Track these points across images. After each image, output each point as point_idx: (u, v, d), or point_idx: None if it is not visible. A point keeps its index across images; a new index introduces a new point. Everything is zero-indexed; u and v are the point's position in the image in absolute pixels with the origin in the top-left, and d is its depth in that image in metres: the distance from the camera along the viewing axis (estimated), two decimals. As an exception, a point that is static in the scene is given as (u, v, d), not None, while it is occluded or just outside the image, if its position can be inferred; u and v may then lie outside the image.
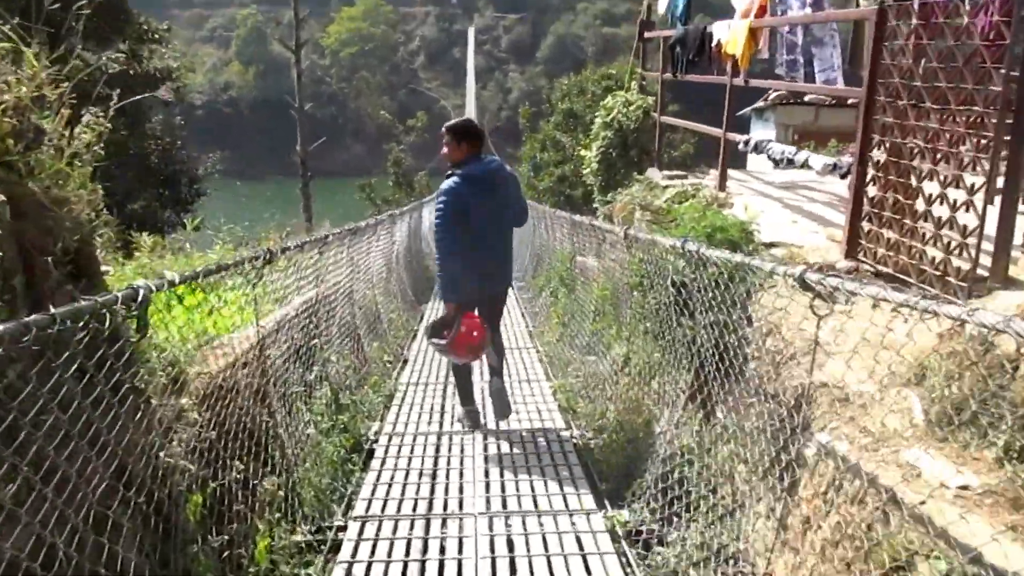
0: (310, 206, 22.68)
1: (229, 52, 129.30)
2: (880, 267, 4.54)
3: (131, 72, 16.02)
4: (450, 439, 5.91)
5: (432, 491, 4.95)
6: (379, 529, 4.43)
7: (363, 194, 25.97)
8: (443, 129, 5.52)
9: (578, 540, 4.31)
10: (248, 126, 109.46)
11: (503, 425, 6.05)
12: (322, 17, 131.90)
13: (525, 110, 32.03)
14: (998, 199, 3.93)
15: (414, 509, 4.71)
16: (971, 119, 3.81)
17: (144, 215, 15.77)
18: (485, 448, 5.69)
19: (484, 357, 5.77)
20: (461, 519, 4.57)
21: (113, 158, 15.62)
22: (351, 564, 4.07)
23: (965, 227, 3.79)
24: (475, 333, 5.40)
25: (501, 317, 6.15)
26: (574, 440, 5.87)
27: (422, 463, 5.44)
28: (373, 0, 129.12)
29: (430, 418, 6.44)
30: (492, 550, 4.23)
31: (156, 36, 16.48)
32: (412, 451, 5.68)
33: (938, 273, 4.05)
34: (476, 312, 5.60)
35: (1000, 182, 4.11)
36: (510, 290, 6.63)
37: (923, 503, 2.60)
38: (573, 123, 22.40)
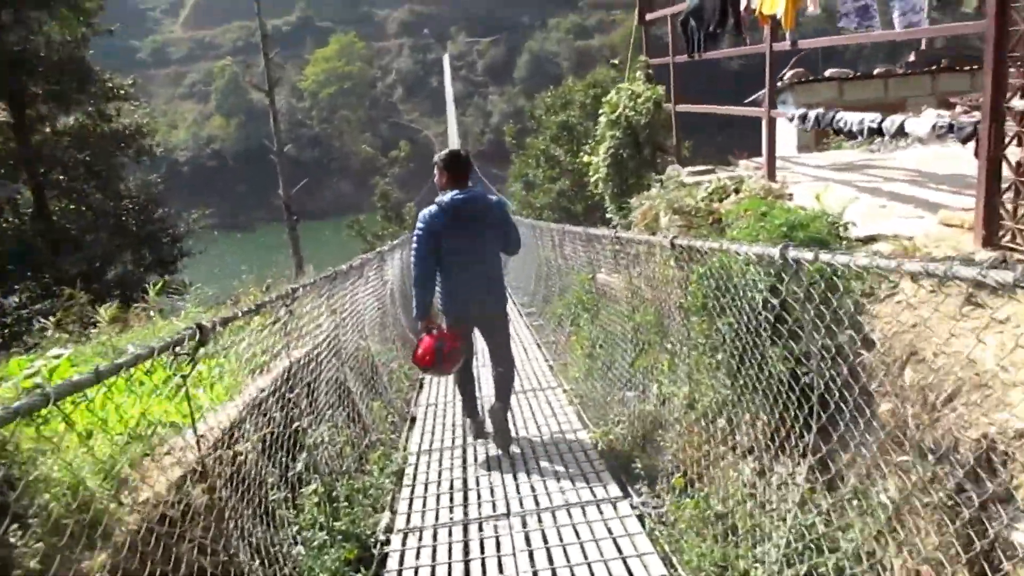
0: (299, 250, 21.48)
1: (209, 105, 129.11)
2: (1038, 253, 3.34)
3: (98, 131, 15.00)
4: (480, 528, 4.70)
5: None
6: None
7: (352, 232, 24.90)
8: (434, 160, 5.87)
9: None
10: (234, 177, 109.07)
11: (541, 487, 5.20)
12: (297, 60, 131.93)
13: (510, 128, 31.01)
14: None
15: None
16: None
17: (125, 280, 14.64)
18: (527, 540, 4.48)
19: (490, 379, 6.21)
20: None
21: (86, 222, 14.57)
22: None
23: None
24: (429, 353, 5.61)
25: (506, 345, 6.12)
26: (642, 510, 4.67)
27: (449, 570, 4.21)
28: (346, 38, 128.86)
29: (451, 500, 5.23)
30: None
31: (122, 92, 15.44)
32: (435, 553, 4.43)
33: None
34: (473, 338, 6.10)
35: None
36: (515, 316, 7.87)
37: None
38: (567, 136, 21.32)
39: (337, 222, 25.92)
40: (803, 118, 5.51)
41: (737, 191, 5.78)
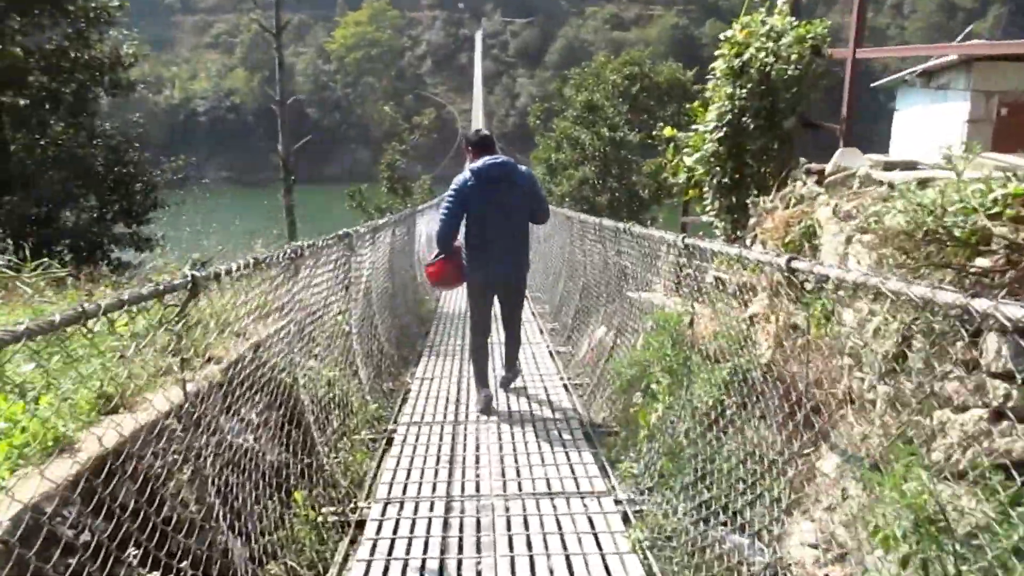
0: (293, 215, 19.81)
1: (234, 58, 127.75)
2: None
3: (73, 57, 13.32)
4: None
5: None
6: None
7: (353, 202, 22.67)
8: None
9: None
10: (251, 133, 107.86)
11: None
12: (327, 22, 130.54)
13: (536, 106, 29.03)
14: None
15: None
16: None
17: (79, 228, 13.02)
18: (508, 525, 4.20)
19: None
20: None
21: (45, 158, 12.94)
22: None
23: None
24: (438, 272, 6.05)
25: (520, 310, 6.33)
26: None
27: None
28: (379, 4, 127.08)
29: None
30: None
31: (105, 15, 13.57)
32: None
33: None
34: (493, 303, 6.16)
35: None
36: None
37: None
38: (592, 117, 19.60)
39: (349, 190, 23.77)
40: None
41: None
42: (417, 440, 5.41)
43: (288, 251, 3.80)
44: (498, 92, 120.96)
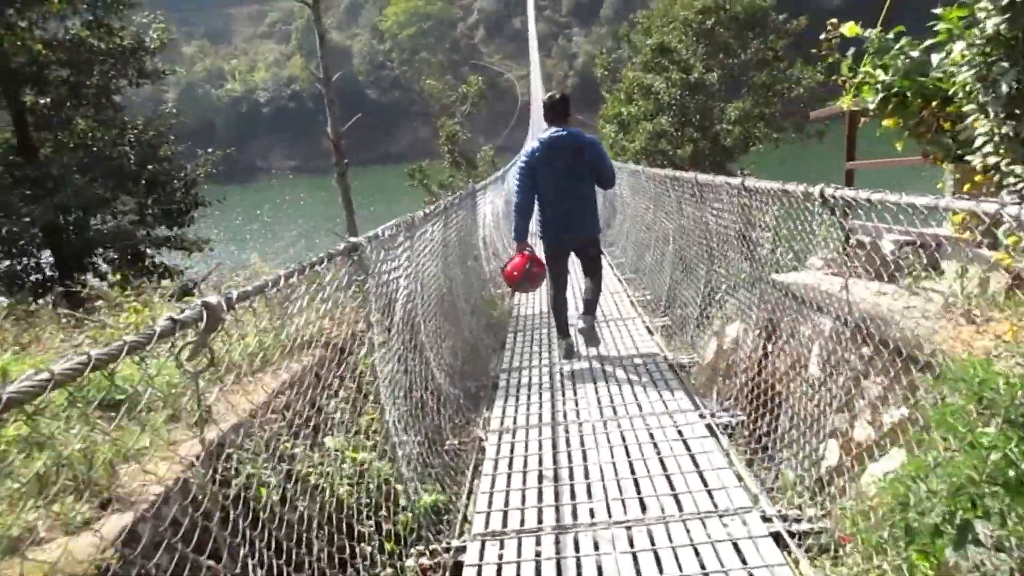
0: (350, 199, 18.43)
1: (290, 46, 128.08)
2: None
3: (93, 46, 12.11)
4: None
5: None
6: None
7: (414, 181, 21.08)
8: None
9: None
10: (312, 119, 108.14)
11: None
12: (379, 1, 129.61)
13: (603, 57, 26.75)
14: None
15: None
16: None
17: (119, 233, 11.85)
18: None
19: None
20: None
21: (67, 158, 11.80)
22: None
23: None
24: (518, 269, 6.13)
25: (596, 264, 6.39)
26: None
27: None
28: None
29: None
30: None
31: (122, 0, 12.27)
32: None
33: None
34: (568, 263, 6.44)
35: None
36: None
37: None
38: (665, 61, 17.45)
39: (412, 166, 22.32)
40: None
41: None
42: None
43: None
44: (555, 54, 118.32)
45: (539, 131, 6.28)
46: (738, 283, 5.02)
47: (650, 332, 7.01)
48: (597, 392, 5.21)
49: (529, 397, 5.31)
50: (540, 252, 6.38)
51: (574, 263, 6.48)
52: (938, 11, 3.28)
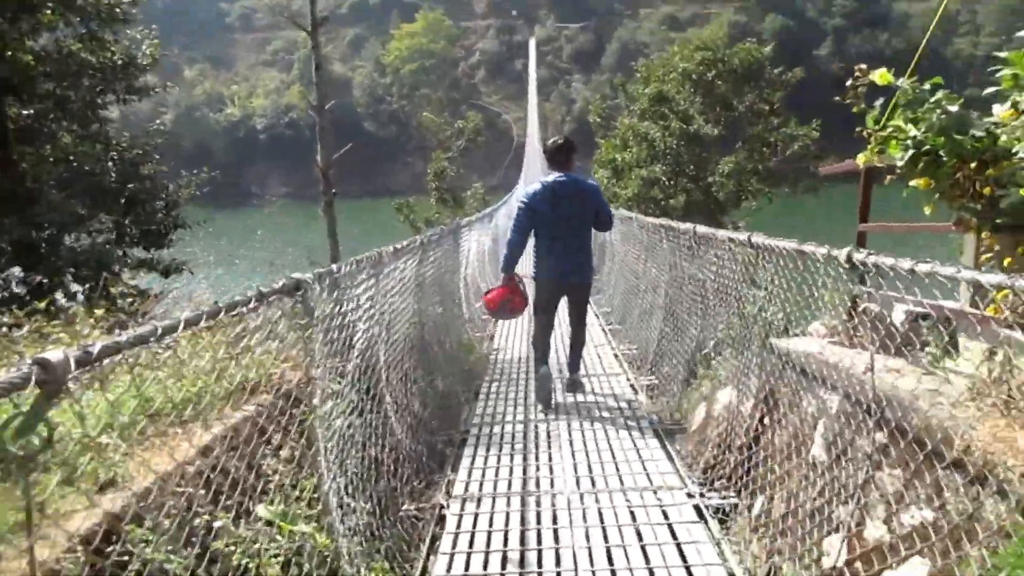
0: (335, 231, 18.05)
1: (292, 75, 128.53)
2: None
3: (82, 59, 11.83)
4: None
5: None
6: None
7: (401, 216, 20.70)
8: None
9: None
10: (308, 148, 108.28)
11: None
12: (382, 35, 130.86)
13: (596, 104, 26.66)
14: None
15: None
16: None
17: (93, 252, 11.41)
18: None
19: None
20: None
21: (47, 172, 11.43)
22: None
23: None
24: (499, 298, 6.44)
25: (583, 313, 6.57)
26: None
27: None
28: (433, 15, 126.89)
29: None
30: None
31: (118, 12, 11.98)
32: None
33: None
34: (557, 307, 6.53)
35: None
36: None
37: None
38: (662, 110, 17.32)
39: (398, 202, 21.81)
40: None
41: None
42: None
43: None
44: (554, 99, 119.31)
45: (538, 174, 7.03)
46: (732, 344, 4.68)
47: (635, 390, 6.73)
48: (575, 457, 4.81)
49: (499, 458, 4.87)
50: (530, 291, 6.56)
51: (559, 312, 6.56)
52: (1003, 54, 2.98)
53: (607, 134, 22.81)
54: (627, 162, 18.24)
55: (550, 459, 4.82)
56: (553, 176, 6.19)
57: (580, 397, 6.35)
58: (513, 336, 9.26)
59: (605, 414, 5.94)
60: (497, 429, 5.59)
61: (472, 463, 4.82)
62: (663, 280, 7.40)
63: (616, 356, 7.97)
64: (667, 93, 17.34)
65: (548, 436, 5.33)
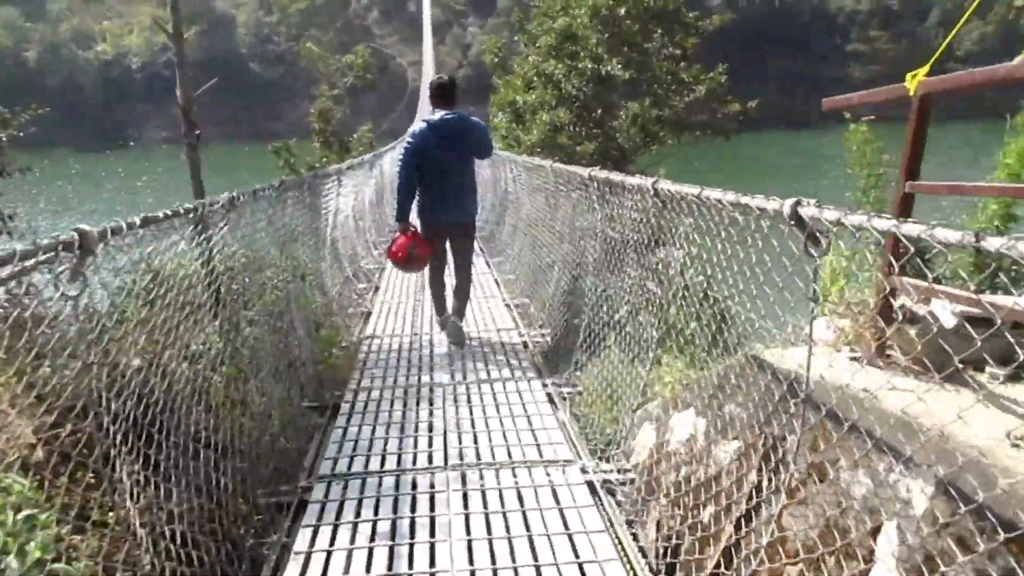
0: (199, 176, 15.91)
1: (167, 11, 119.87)
2: None
3: None
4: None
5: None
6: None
7: (279, 159, 18.48)
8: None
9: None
10: (192, 89, 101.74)
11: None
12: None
13: (492, 41, 24.76)
14: None
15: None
16: None
17: None
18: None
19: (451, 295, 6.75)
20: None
21: None
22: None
23: None
24: (403, 250, 6.21)
25: (469, 256, 6.68)
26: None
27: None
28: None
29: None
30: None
31: None
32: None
33: None
34: (446, 244, 6.56)
35: None
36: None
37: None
38: (572, 48, 15.77)
39: (275, 145, 19.32)
40: None
41: None
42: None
43: None
44: (449, 42, 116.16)
45: (425, 114, 6.44)
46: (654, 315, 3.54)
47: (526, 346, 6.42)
48: (470, 539, 3.28)
49: (354, 537, 3.28)
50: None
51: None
52: None
53: (504, 75, 21.16)
54: (530, 105, 16.67)
55: (435, 538, 3.28)
56: (439, 114, 6.13)
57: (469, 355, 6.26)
58: (392, 312, 7.83)
59: (520, 456, 4.29)
60: (358, 486, 3.80)
61: (306, 562, 3.14)
62: (566, 233, 6.72)
63: (526, 346, 6.62)
64: (576, 29, 15.80)
65: (433, 498, 3.69)
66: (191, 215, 3.14)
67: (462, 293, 6.62)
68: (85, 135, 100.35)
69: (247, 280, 4.24)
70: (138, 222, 2.47)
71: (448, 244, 6.54)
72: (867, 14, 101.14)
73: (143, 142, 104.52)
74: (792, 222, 2.16)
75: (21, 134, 11.66)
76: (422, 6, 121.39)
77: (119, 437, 2.35)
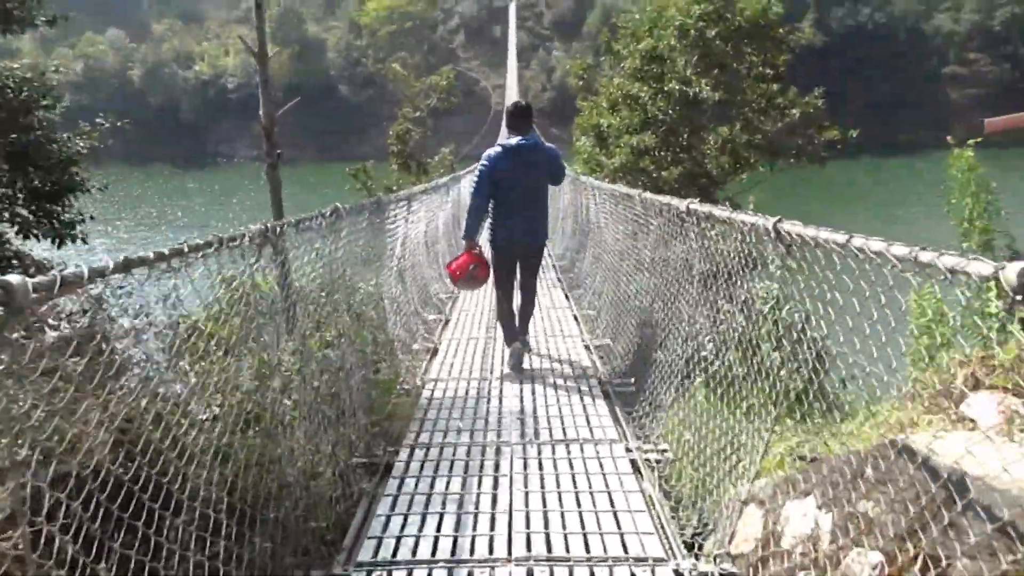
0: (279, 195, 15.89)
1: (266, 34, 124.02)
2: None
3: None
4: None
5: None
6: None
7: (357, 182, 18.17)
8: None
9: None
10: (275, 109, 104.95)
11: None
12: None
13: (577, 64, 24.23)
14: None
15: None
16: None
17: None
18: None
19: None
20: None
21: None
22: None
23: None
24: (462, 268, 6.36)
25: (536, 277, 6.84)
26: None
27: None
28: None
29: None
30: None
31: None
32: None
33: None
34: (515, 268, 6.62)
35: None
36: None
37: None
38: (658, 70, 15.13)
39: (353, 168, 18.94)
40: None
41: None
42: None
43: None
44: (534, 66, 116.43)
45: (503, 138, 6.60)
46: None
47: (650, 510, 3.89)
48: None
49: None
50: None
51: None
52: None
53: (589, 96, 20.63)
54: (614, 128, 16.07)
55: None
56: (515, 139, 6.20)
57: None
58: (454, 368, 6.85)
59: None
60: None
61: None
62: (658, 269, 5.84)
63: (618, 417, 5.63)
64: (662, 51, 15.16)
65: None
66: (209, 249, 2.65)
67: (526, 313, 6.78)
68: (182, 152, 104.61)
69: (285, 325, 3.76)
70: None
71: (517, 267, 6.64)
72: (965, 35, 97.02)
73: (234, 160, 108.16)
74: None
75: (101, 145, 11.75)
76: (508, 30, 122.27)
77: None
